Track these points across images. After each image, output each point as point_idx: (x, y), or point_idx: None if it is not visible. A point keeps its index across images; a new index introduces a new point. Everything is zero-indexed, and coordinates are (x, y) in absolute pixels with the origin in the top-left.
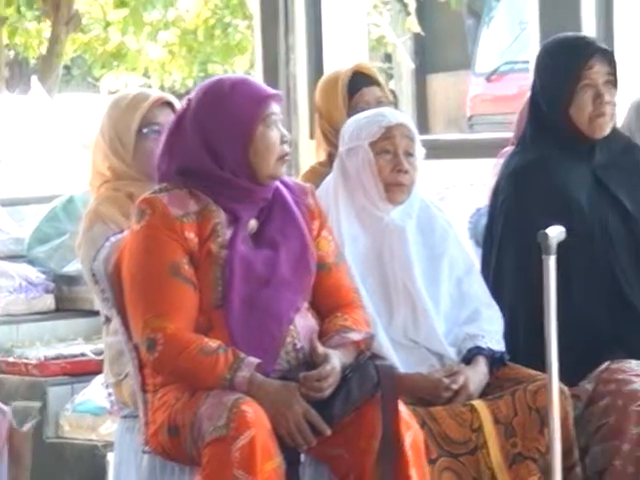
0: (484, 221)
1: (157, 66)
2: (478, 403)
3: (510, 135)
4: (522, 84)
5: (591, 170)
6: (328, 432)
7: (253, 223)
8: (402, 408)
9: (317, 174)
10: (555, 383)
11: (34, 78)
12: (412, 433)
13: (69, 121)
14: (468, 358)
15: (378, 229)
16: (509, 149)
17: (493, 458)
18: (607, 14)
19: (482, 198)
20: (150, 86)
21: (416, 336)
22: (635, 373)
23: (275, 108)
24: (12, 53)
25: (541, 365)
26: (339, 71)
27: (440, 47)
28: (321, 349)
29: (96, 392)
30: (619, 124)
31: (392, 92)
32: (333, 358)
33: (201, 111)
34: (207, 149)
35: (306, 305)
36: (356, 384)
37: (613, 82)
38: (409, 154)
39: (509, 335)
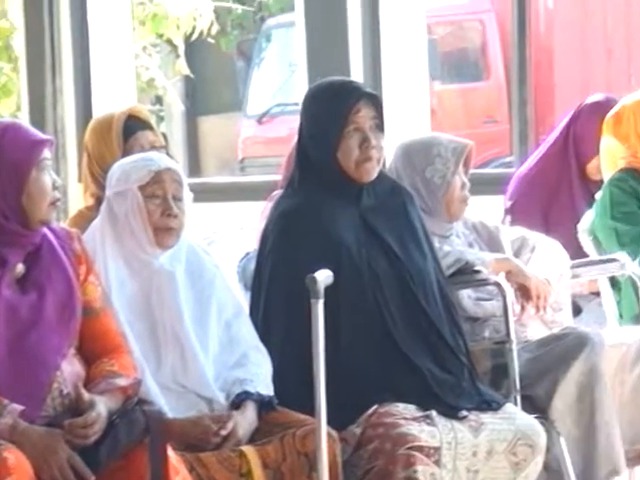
0: (253, 265)
1: None
2: (247, 448)
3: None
4: (293, 126)
5: (359, 213)
6: (92, 478)
7: (20, 267)
8: (171, 453)
9: (84, 218)
10: (323, 427)
11: None
12: (180, 478)
13: None
14: (237, 403)
15: (147, 273)
16: (278, 192)
17: None
18: (374, 58)
19: (251, 242)
20: None
21: (185, 381)
22: (403, 417)
23: (47, 153)
24: None
25: (310, 409)
26: (112, 114)
27: (211, 89)
28: (87, 396)
29: None
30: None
31: (163, 135)
32: (99, 405)
33: None
34: None
35: (73, 351)
36: (123, 430)
37: (380, 126)
38: (178, 198)
39: (278, 379)
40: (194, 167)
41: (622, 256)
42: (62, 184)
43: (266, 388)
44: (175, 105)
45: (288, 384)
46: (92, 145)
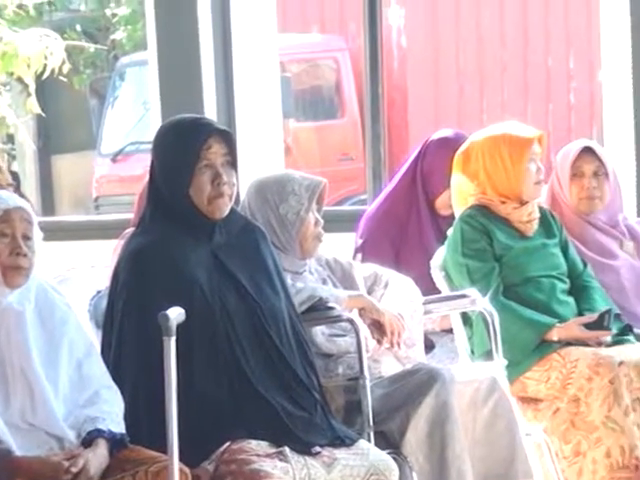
0: (104, 303)
1: None
2: None
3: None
4: (147, 164)
5: (211, 250)
6: None
7: None
8: None
9: None
10: (176, 464)
11: None
12: None
13: None
14: (88, 440)
15: None
16: (130, 230)
17: None
18: (228, 96)
19: (103, 280)
20: None
21: (34, 419)
22: (255, 453)
23: None
24: None
25: (163, 446)
26: None
27: (64, 128)
28: None
29: None
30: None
31: (13, 173)
32: None
33: None
34: None
35: None
36: None
37: (232, 163)
38: (27, 237)
39: (130, 417)
40: (48, 206)
41: (473, 292)
42: None
43: (118, 426)
44: (27, 144)
45: (140, 421)
46: None
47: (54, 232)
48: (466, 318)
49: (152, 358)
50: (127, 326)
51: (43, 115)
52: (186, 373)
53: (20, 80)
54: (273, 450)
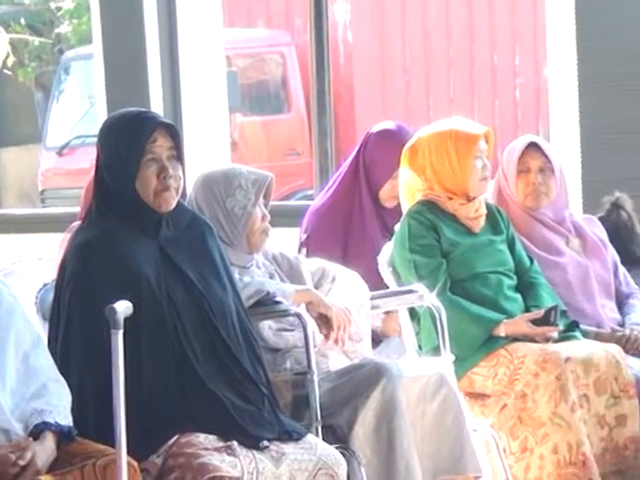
0: (51, 296)
1: None
2: (46, 478)
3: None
4: (94, 158)
5: (157, 244)
6: None
7: None
8: None
9: None
10: (123, 457)
11: None
12: None
13: None
14: (35, 433)
15: None
16: (77, 223)
17: None
18: (174, 90)
19: (50, 273)
20: None
21: None
22: (204, 447)
23: None
24: None
25: (111, 439)
26: None
27: (9, 121)
28: None
29: None
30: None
31: None
32: None
33: None
34: None
35: None
36: None
37: (178, 157)
38: None
39: (78, 410)
40: None
41: (420, 287)
42: None
43: (65, 419)
44: None
45: (88, 414)
46: None
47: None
48: (414, 313)
49: (99, 351)
50: (74, 319)
51: None
52: (134, 366)
53: None
54: (221, 444)
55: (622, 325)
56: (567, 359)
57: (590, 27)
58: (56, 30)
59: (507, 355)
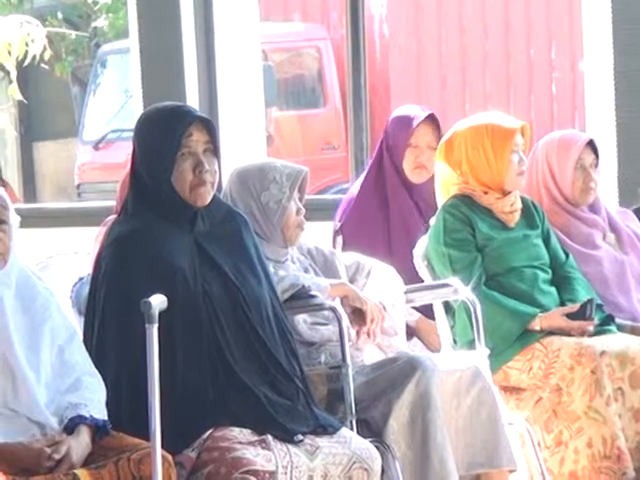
0: (87, 290)
1: None
2: (81, 472)
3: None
4: (129, 152)
5: (193, 238)
6: None
7: None
8: (1, 478)
9: None
10: (158, 451)
11: None
12: None
13: None
14: (70, 427)
15: None
16: (113, 217)
17: None
18: (210, 84)
19: (85, 267)
20: None
21: (16, 405)
22: (238, 441)
23: None
24: None
25: (146, 433)
26: None
27: (46, 115)
28: None
29: None
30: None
31: None
32: None
33: None
34: None
35: None
36: None
37: (214, 151)
38: (2, 222)
39: (113, 404)
40: (30, 193)
41: (455, 281)
42: None
43: (100, 412)
44: (9, 130)
45: (123, 408)
46: None
47: (36, 219)
48: (448, 307)
49: (134, 345)
50: (109, 313)
51: (25, 102)
52: (169, 360)
53: (1, 67)
54: (256, 438)
55: None
56: (602, 353)
57: (626, 21)
58: (93, 24)
59: (542, 349)
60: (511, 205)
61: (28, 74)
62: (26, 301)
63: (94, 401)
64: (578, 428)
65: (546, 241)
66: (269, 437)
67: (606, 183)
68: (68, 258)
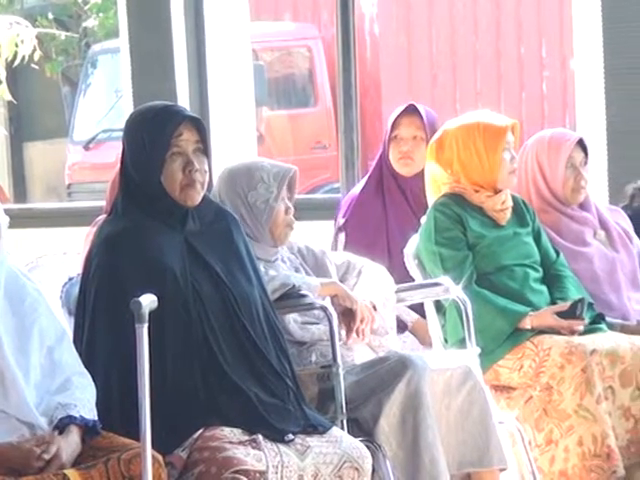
0: (76, 290)
1: None
2: (71, 472)
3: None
4: (120, 152)
5: (184, 237)
6: None
7: None
8: None
9: None
10: (148, 451)
11: None
12: None
13: None
14: (60, 427)
15: None
16: (103, 217)
17: None
18: (200, 84)
19: (75, 267)
20: None
21: (5, 407)
22: (228, 440)
23: None
24: None
25: (136, 433)
26: None
27: (36, 115)
28: None
29: None
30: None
31: None
32: None
33: None
34: None
35: None
36: None
37: (203, 150)
38: None
39: (103, 404)
40: (20, 193)
41: (446, 280)
42: None
43: (90, 412)
44: None
45: (113, 408)
46: None
47: (26, 219)
48: (439, 306)
49: (124, 345)
50: (99, 313)
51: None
52: (159, 360)
53: None
54: (246, 437)
55: None
56: (593, 351)
57: (616, 19)
58: (83, 24)
59: (533, 348)
60: (502, 203)
61: (18, 74)
62: (15, 301)
63: (84, 401)
64: (568, 427)
65: (537, 239)
66: (260, 437)
67: (596, 181)
68: (58, 258)
